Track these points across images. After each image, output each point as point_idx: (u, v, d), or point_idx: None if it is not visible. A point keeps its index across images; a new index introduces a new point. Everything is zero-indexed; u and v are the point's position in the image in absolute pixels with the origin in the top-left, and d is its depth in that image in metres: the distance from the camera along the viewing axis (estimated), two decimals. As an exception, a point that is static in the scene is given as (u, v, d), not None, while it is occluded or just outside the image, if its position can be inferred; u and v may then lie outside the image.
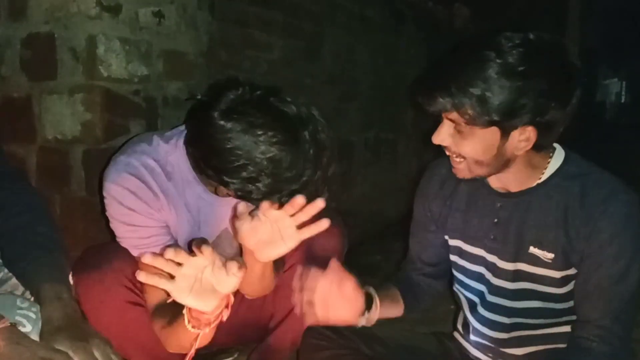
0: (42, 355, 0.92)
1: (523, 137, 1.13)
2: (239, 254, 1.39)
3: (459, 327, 1.44)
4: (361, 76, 3.04)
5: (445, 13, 3.96)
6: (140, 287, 1.32)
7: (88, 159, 1.62)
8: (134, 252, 1.31)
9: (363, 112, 3.08)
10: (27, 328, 0.99)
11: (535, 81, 1.08)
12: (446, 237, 1.38)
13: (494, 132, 1.12)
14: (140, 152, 1.30)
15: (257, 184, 1.16)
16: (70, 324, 1.00)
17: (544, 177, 1.21)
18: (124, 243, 1.31)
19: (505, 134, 1.12)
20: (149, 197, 1.28)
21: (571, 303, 1.24)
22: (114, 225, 1.31)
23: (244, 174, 1.16)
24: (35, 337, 0.99)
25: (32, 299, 1.08)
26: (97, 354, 0.97)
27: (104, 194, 1.29)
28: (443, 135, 1.18)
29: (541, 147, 1.17)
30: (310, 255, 1.41)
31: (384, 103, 3.32)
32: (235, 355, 1.75)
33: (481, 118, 1.10)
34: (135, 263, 1.28)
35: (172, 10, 1.75)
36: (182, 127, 1.35)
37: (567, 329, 1.25)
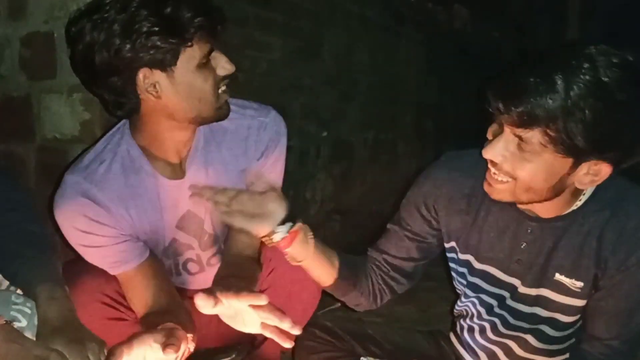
0: (36, 353, 0.92)
1: (593, 171, 0.99)
2: (206, 233, 1.37)
3: (457, 331, 1.43)
4: (360, 76, 3.04)
5: (445, 14, 3.95)
6: (120, 300, 1.29)
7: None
8: (105, 268, 1.27)
9: (362, 113, 3.08)
10: (22, 323, 0.99)
11: (630, 111, 0.92)
12: (452, 245, 1.28)
13: (565, 161, 0.98)
14: (83, 167, 1.25)
15: (141, 21, 1.11)
16: (66, 325, 1.00)
17: (580, 204, 1.11)
18: (92, 262, 1.27)
19: (576, 164, 0.98)
20: (100, 214, 1.22)
21: (565, 332, 1.22)
22: (76, 248, 1.26)
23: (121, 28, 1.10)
24: (30, 332, 0.99)
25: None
26: (92, 357, 0.97)
27: (57, 220, 1.22)
28: (500, 151, 1.00)
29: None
30: (287, 277, 1.38)
31: (384, 103, 3.32)
32: (233, 356, 1.75)
33: (565, 143, 0.93)
34: (108, 276, 1.26)
35: (172, 10, 1.75)
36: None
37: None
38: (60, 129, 1.65)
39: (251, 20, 2.14)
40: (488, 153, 1.02)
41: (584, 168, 0.99)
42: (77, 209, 1.21)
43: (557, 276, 1.15)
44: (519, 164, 0.99)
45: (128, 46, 1.11)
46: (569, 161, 0.98)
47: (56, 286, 1.06)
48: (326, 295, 1.45)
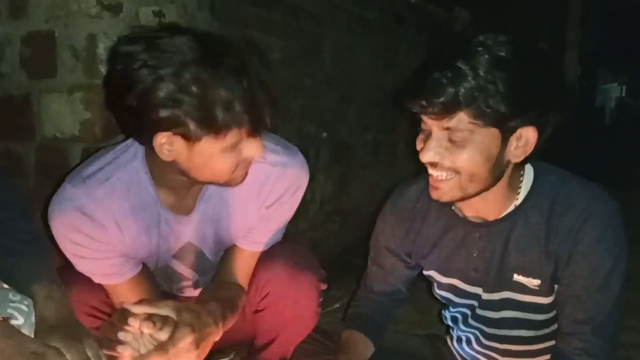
0: (33, 349, 0.92)
1: (522, 142, 1.06)
2: (209, 261, 1.37)
3: (448, 340, 1.45)
4: (360, 78, 3.04)
5: (445, 16, 3.96)
6: (106, 309, 1.28)
7: (87, 158, 1.62)
8: (94, 279, 1.27)
9: (362, 114, 3.08)
10: (19, 321, 0.99)
11: (532, 73, 1.02)
12: (421, 264, 1.34)
13: (494, 136, 1.04)
14: (85, 179, 1.20)
15: (182, 101, 1.02)
16: (64, 323, 1.00)
17: (520, 199, 1.15)
18: (81, 271, 1.26)
19: (505, 139, 1.05)
20: (94, 230, 1.19)
21: (552, 328, 1.23)
22: (67, 256, 1.24)
23: (162, 93, 1.02)
24: (27, 329, 0.99)
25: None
26: (89, 353, 0.97)
27: (51, 227, 1.20)
28: (435, 150, 1.05)
29: (529, 159, 1.10)
30: (281, 303, 1.37)
31: (383, 105, 3.32)
32: (231, 356, 1.75)
33: (490, 115, 1.00)
34: (94, 286, 1.26)
35: (173, 9, 1.75)
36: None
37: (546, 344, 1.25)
38: (60, 128, 1.65)
39: (251, 21, 2.15)
40: (425, 156, 1.07)
41: (513, 142, 1.06)
42: (73, 222, 1.18)
43: (516, 277, 1.18)
44: (457, 155, 1.05)
45: (163, 112, 1.02)
46: (498, 137, 1.04)
47: (53, 285, 1.06)
48: (326, 296, 1.45)
